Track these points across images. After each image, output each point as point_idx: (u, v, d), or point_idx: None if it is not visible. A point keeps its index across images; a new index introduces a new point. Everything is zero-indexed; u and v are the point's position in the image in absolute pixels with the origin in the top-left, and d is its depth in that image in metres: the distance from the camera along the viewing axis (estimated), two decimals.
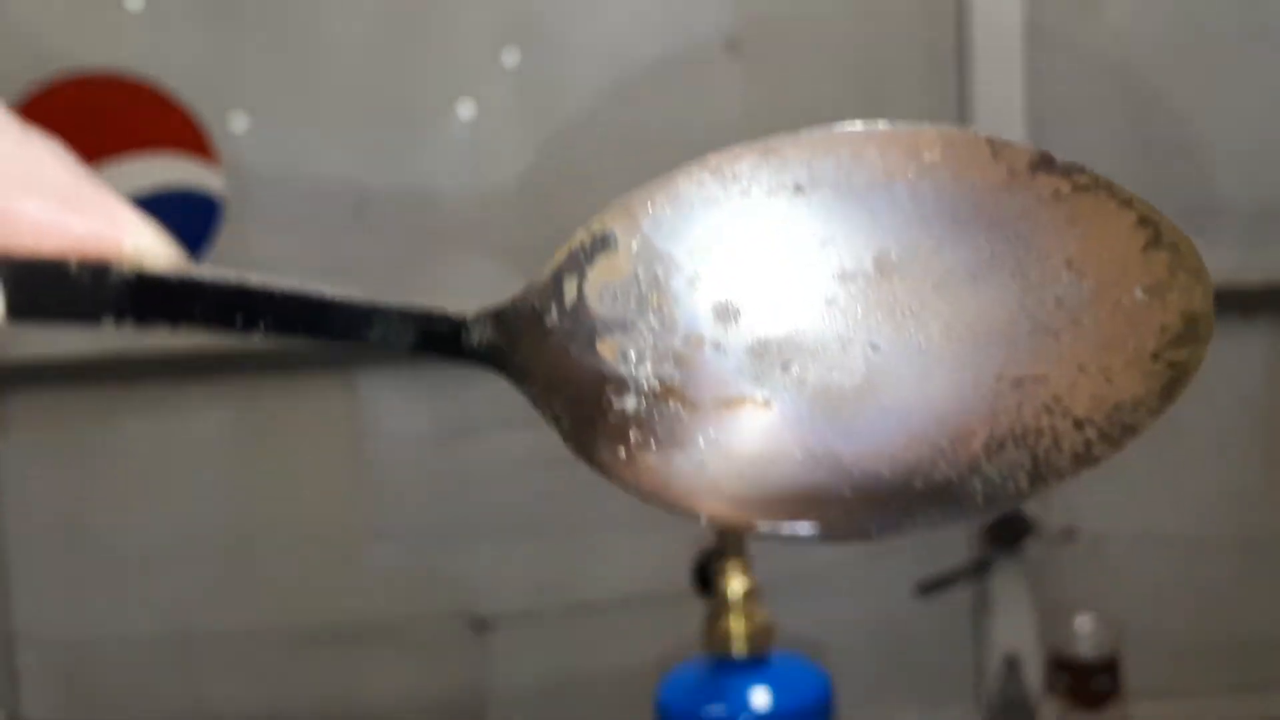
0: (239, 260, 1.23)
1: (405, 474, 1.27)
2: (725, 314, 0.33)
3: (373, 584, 1.28)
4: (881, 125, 0.33)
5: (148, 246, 0.32)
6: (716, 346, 0.33)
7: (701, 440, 0.33)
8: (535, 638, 1.28)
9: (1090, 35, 1.24)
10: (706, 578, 0.84)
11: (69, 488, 1.27)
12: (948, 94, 1.23)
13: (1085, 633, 1.06)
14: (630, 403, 0.33)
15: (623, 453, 0.33)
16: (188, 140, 1.21)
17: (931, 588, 1.25)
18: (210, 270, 0.33)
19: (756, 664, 0.78)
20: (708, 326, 0.33)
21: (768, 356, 0.33)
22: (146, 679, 1.29)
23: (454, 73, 1.23)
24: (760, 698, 0.78)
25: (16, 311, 0.31)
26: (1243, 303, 1.24)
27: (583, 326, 0.33)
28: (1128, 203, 0.33)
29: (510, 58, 1.22)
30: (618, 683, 1.19)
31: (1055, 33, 1.22)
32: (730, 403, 0.33)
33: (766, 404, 0.33)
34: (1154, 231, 0.33)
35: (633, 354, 0.33)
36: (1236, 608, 1.29)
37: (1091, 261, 0.33)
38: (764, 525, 0.33)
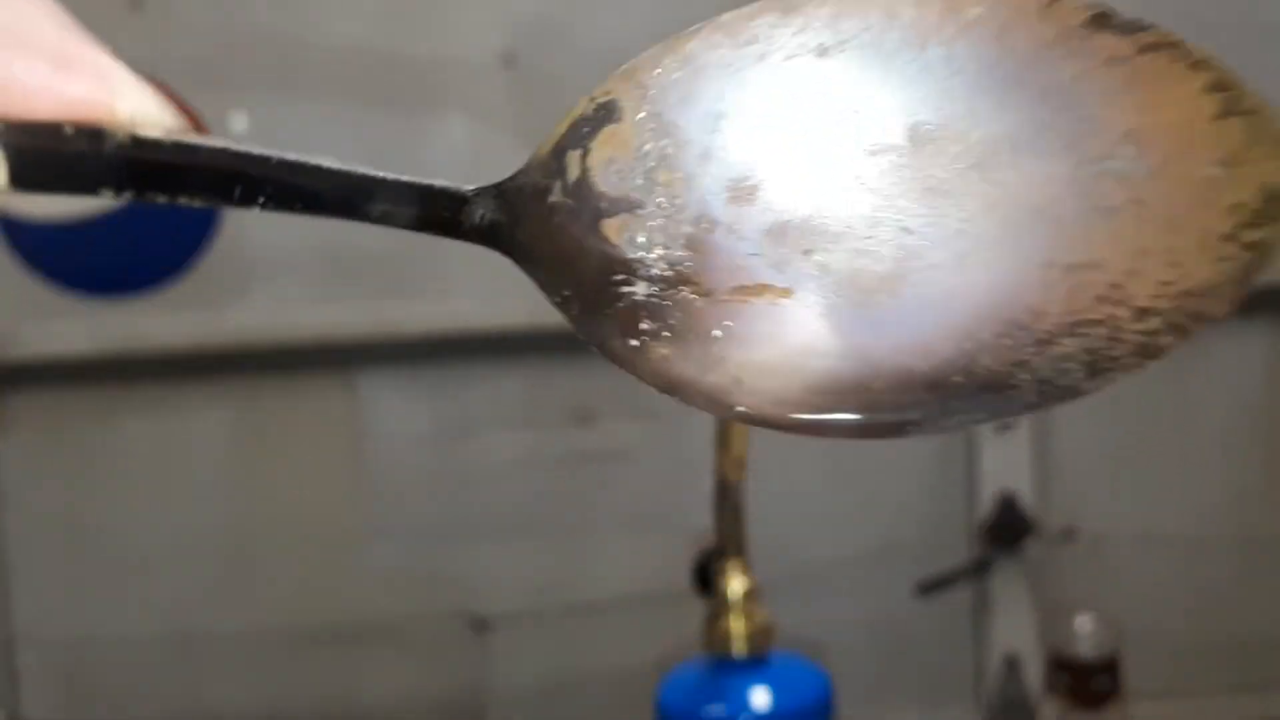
0: (239, 260, 1.23)
1: (405, 474, 1.27)
2: (740, 193, 0.30)
3: (373, 584, 1.28)
4: None
5: (142, 110, 0.30)
6: (731, 229, 0.30)
7: (719, 330, 0.30)
8: (535, 638, 1.28)
9: None
10: (706, 578, 0.83)
11: (69, 488, 1.27)
12: None
13: (1085, 633, 1.06)
14: (640, 289, 0.30)
15: (635, 343, 0.31)
16: None
17: (931, 588, 1.25)
18: (208, 139, 0.31)
19: (756, 664, 0.78)
20: (720, 208, 0.30)
21: (788, 240, 0.30)
22: (146, 679, 1.29)
23: (454, 73, 1.23)
24: (760, 698, 0.77)
25: (19, 181, 0.29)
26: (1243, 303, 1.24)
27: (588, 205, 0.30)
28: (1200, 64, 0.30)
29: (510, 58, 1.22)
30: (618, 683, 1.19)
31: None
32: (748, 290, 0.30)
33: (787, 292, 0.30)
34: (1230, 97, 0.29)
35: (641, 237, 0.30)
36: (1236, 608, 1.29)
37: (1155, 132, 0.29)
38: (790, 421, 0.30)
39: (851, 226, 0.30)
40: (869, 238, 0.30)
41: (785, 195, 0.30)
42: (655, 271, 0.30)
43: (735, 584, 0.79)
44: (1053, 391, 0.30)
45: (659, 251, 0.30)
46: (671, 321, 0.30)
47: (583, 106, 0.31)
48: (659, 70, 0.31)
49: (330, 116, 1.23)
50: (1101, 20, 0.30)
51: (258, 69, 1.23)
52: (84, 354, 1.22)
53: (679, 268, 0.30)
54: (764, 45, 0.30)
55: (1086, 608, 1.12)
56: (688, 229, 0.30)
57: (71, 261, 1.22)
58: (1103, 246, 0.30)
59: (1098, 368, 0.30)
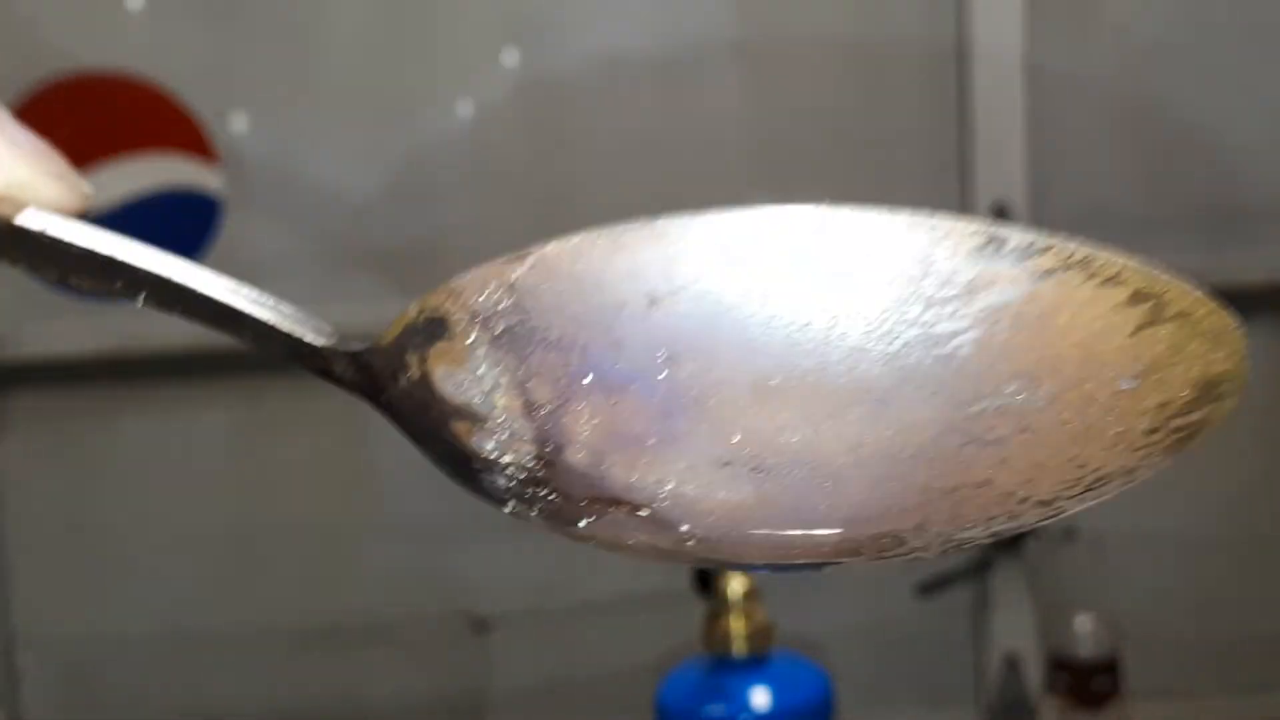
0: (239, 260, 1.23)
1: (405, 474, 1.27)
2: (582, 425, 0.29)
3: (373, 583, 1.28)
4: (770, 209, 0.28)
5: (31, 187, 0.29)
6: (577, 452, 0.29)
7: (583, 524, 0.30)
8: (535, 638, 1.28)
9: (1090, 35, 1.24)
10: (706, 577, 0.84)
11: (69, 488, 1.27)
12: (947, 95, 1.23)
13: (1085, 633, 1.06)
14: (501, 480, 0.30)
15: (508, 510, 0.30)
16: (188, 140, 1.21)
17: (931, 588, 1.25)
18: (91, 233, 0.30)
19: (756, 664, 0.78)
20: (562, 434, 0.29)
21: (638, 468, 0.29)
22: (146, 679, 1.29)
23: (454, 73, 1.23)
24: (760, 698, 0.77)
25: None
26: (1243, 303, 1.24)
27: (435, 406, 0.29)
28: (1114, 279, 0.28)
29: (510, 58, 1.22)
30: (618, 683, 1.19)
31: (1055, 33, 1.22)
32: (604, 502, 0.29)
33: (645, 506, 0.29)
34: (1152, 308, 0.28)
35: (490, 445, 0.29)
36: (1236, 608, 1.29)
37: (1053, 364, 0.28)
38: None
39: (695, 465, 0.29)
40: (718, 474, 0.29)
41: (631, 434, 0.29)
42: (510, 472, 0.30)
43: (735, 584, 0.79)
44: (953, 548, 0.29)
45: (510, 458, 0.29)
46: (534, 512, 0.30)
47: (412, 314, 0.29)
48: (485, 297, 0.29)
49: (331, 116, 1.23)
50: (990, 245, 0.28)
51: (258, 69, 1.23)
52: (84, 354, 1.22)
53: (533, 474, 0.29)
54: (595, 282, 0.28)
55: (1086, 608, 1.11)
56: (535, 445, 0.29)
57: None
58: (988, 469, 0.28)
59: (1000, 534, 0.29)
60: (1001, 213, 1.22)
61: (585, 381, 0.28)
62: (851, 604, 1.28)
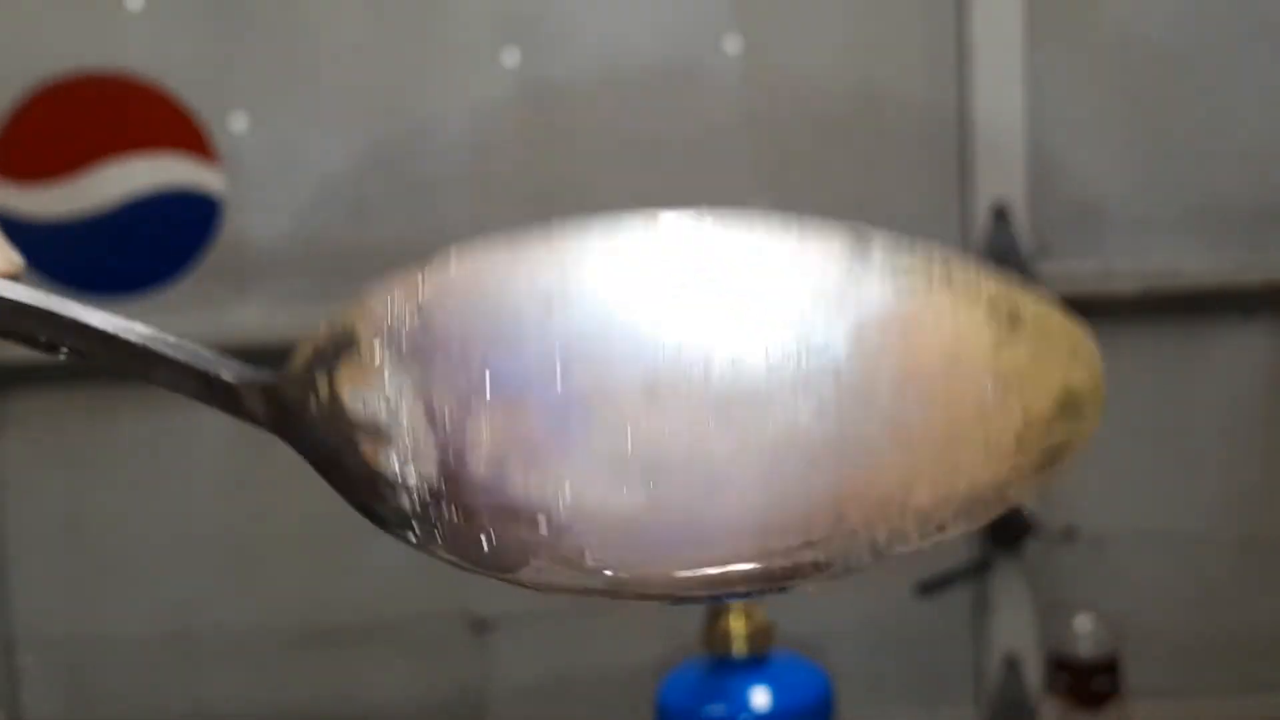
0: (239, 259, 1.23)
1: None
2: (486, 425, 0.30)
3: (373, 584, 1.28)
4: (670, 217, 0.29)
5: None
6: (481, 458, 0.30)
7: (486, 545, 0.30)
8: (535, 638, 1.28)
9: (1090, 35, 1.24)
10: None
11: (69, 488, 1.27)
12: (948, 94, 1.23)
13: (1085, 633, 1.06)
14: (405, 502, 0.31)
15: (411, 538, 0.31)
16: (188, 140, 1.21)
17: (931, 588, 1.25)
18: (13, 288, 0.32)
19: (756, 664, 0.78)
20: (467, 438, 0.30)
21: (539, 467, 0.30)
22: (146, 679, 1.29)
23: (454, 73, 1.23)
24: (760, 698, 0.77)
25: None
26: (1243, 303, 1.24)
27: (342, 423, 0.31)
28: (973, 292, 0.29)
29: (510, 58, 1.22)
30: (618, 683, 1.19)
31: (1055, 33, 1.22)
32: (506, 512, 0.30)
33: (544, 512, 0.30)
34: (1010, 317, 0.29)
35: (395, 461, 0.30)
36: (1236, 608, 1.29)
37: (920, 374, 0.29)
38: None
39: (591, 468, 0.29)
40: (616, 474, 0.29)
41: (528, 438, 0.30)
42: (414, 489, 0.30)
43: None
44: (839, 572, 0.30)
45: (414, 474, 0.30)
46: (437, 536, 0.31)
47: (321, 332, 0.31)
48: (393, 316, 0.30)
49: (330, 116, 1.23)
50: (854, 255, 0.29)
51: (258, 69, 1.23)
52: None
53: (436, 489, 0.30)
54: (496, 289, 0.30)
55: (1086, 608, 1.11)
56: (438, 456, 0.30)
57: (71, 261, 1.22)
58: (864, 477, 0.29)
59: (884, 553, 0.30)
60: (1001, 213, 1.22)
61: (485, 390, 0.30)
62: (851, 604, 1.28)
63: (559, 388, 0.29)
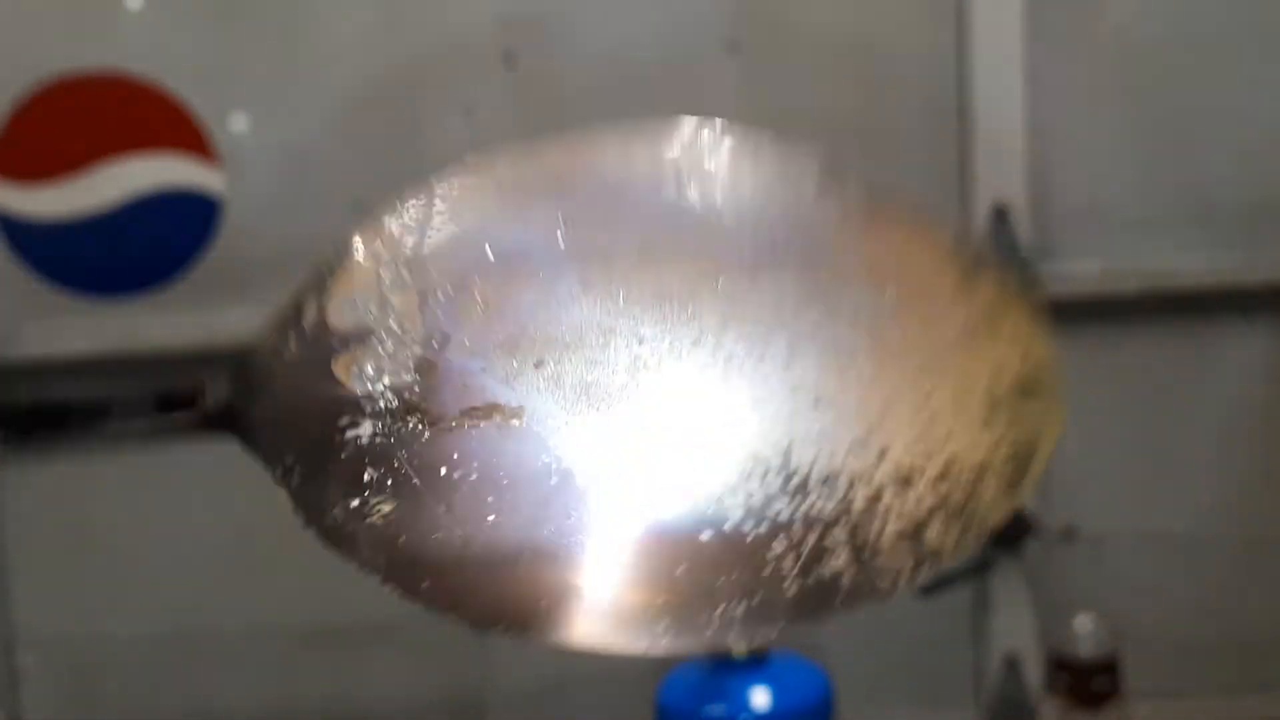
0: (239, 259, 1.22)
1: None
2: (474, 304, 0.30)
3: (373, 584, 1.28)
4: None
5: None
6: (463, 344, 0.30)
7: (446, 467, 0.30)
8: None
9: (1090, 35, 1.24)
10: None
11: (69, 488, 1.27)
12: (948, 94, 1.22)
13: (1085, 633, 1.06)
14: (366, 429, 0.31)
15: (356, 502, 0.31)
16: (188, 140, 1.21)
17: (931, 588, 1.25)
18: None
19: (756, 664, 0.78)
20: (454, 321, 0.30)
21: (519, 351, 0.30)
22: (146, 679, 1.29)
23: (454, 73, 1.23)
24: (760, 698, 0.77)
25: None
26: (1243, 303, 1.24)
27: (321, 348, 0.31)
28: (933, 234, 0.31)
29: (510, 57, 1.22)
30: (618, 683, 1.19)
31: (1055, 33, 1.22)
32: (478, 412, 0.30)
33: (519, 412, 0.30)
34: (974, 259, 0.31)
35: (370, 368, 0.31)
36: (1236, 608, 1.29)
37: (894, 273, 0.30)
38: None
39: (584, 336, 0.30)
40: (603, 347, 0.29)
41: (520, 305, 0.30)
42: (382, 405, 0.31)
43: None
44: (814, 589, 0.31)
45: (387, 380, 0.31)
46: (396, 464, 0.31)
47: (325, 255, 0.32)
48: (401, 215, 0.31)
49: (330, 116, 1.23)
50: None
51: (258, 69, 1.23)
52: (84, 354, 1.22)
53: (406, 395, 0.30)
54: (505, 184, 0.32)
55: (1086, 608, 1.11)
56: (418, 350, 0.30)
57: (71, 261, 1.22)
58: (845, 389, 0.30)
59: (862, 550, 0.31)
60: (1001, 213, 1.22)
61: (488, 259, 0.30)
62: None
63: (558, 247, 0.30)
